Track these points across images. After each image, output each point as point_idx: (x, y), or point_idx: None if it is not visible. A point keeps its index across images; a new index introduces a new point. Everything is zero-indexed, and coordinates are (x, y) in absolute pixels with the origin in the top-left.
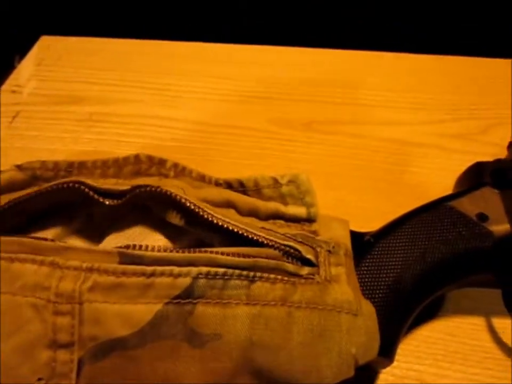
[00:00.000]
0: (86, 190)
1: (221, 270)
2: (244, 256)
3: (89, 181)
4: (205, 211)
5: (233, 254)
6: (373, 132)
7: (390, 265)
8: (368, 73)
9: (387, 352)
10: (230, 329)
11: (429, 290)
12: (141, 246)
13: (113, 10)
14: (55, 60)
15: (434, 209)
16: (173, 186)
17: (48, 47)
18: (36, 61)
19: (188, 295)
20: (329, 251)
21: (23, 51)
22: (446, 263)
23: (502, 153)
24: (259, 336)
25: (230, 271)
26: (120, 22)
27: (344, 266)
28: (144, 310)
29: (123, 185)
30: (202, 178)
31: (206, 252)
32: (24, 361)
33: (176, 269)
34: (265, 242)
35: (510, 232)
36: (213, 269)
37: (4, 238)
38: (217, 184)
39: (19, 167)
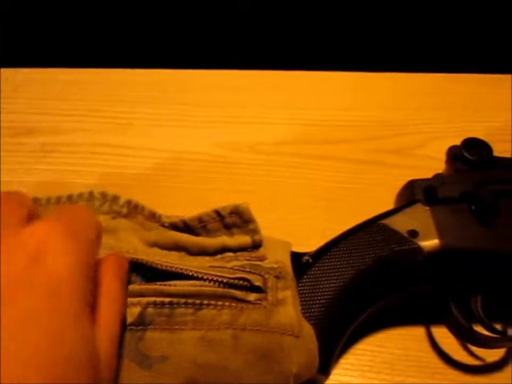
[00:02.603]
0: None
1: (167, 299)
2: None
3: None
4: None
5: (181, 285)
6: (314, 151)
7: (326, 285)
8: (307, 93)
9: (324, 368)
10: (176, 351)
11: (364, 307)
12: None
13: (67, 40)
14: (11, 91)
15: (369, 228)
16: (124, 230)
17: (6, 79)
18: None
19: (140, 322)
20: (277, 276)
21: None
22: (379, 280)
23: (440, 167)
24: (203, 357)
25: (176, 299)
26: (73, 51)
27: (291, 289)
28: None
29: None
30: (153, 216)
31: (155, 284)
32: None
33: (128, 300)
34: (215, 279)
35: (439, 247)
36: (159, 299)
37: None
38: (164, 226)
39: None
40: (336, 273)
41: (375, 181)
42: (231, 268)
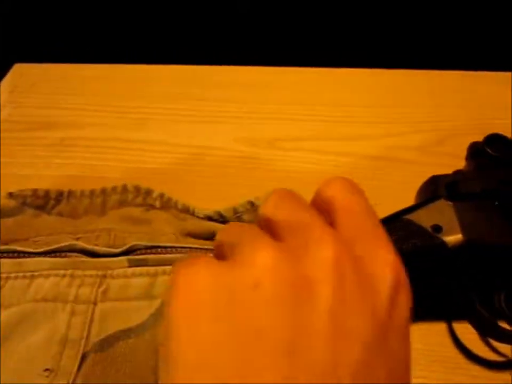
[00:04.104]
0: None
1: None
2: None
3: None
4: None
5: None
6: (334, 148)
7: None
8: (325, 90)
9: None
10: None
11: None
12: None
13: (84, 36)
14: (28, 86)
15: (391, 223)
16: (159, 220)
17: (21, 74)
18: (9, 88)
19: None
20: None
21: None
22: None
23: (458, 163)
24: None
25: None
26: (91, 47)
27: None
28: (149, 304)
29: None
30: (186, 209)
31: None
32: (38, 355)
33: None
34: None
35: (462, 242)
36: None
37: (27, 260)
38: (199, 218)
39: (11, 195)
40: None
41: (394, 177)
42: None
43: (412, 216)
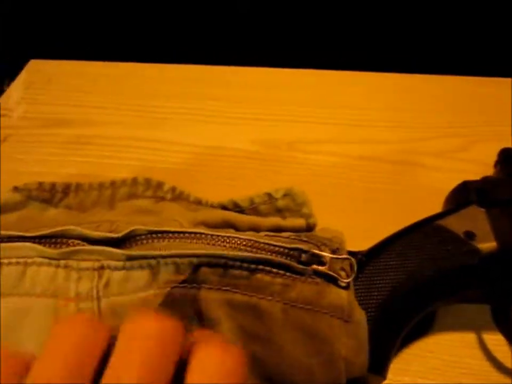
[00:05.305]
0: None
1: (222, 260)
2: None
3: (81, 229)
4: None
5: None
6: (352, 151)
7: (381, 285)
8: (345, 93)
9: (379, 368)
10: (227, 315)
11: (419, 309)
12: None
13: (100, 34)
14: (43, 83)
15: (423, 228)
16: (169, 210)
17: (37, 71)
18: (25, 84)
19: (193, 280)
20: (333, 251)
21: (12, 75)
22: (435, 281)
23: (483, 170)
24: (252, 327)
25: (231, 262)
26: (106, 45)
27: (345, 269)
28: (155, 295)
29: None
30: (199, 202)
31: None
32: None
33: (179, 260)
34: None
35: (496, 249)
36: (214, 259)
37: (17, 244)
38: (213, 207)
39: (16, 189)
40: (392, 273)
41: (414, 182)
42: (287, 237)
43: (444, 222)
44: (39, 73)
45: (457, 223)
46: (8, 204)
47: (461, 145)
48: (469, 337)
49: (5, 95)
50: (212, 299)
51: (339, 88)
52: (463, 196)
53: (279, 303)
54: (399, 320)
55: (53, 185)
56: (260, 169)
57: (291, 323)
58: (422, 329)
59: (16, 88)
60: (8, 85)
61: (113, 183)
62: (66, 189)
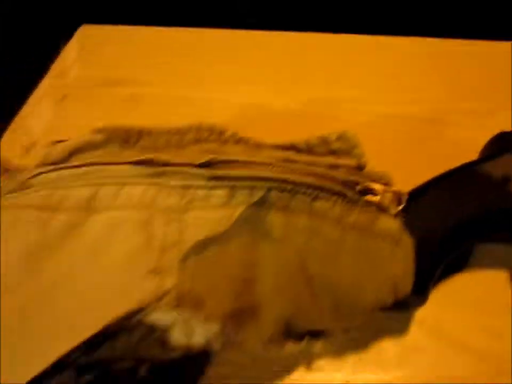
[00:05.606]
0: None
1: (289, 186)
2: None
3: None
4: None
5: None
6: (388, 110)
7: (424, 219)
8: (375, 57)
9: (422, 290)
10: (292, 235)
11: (455, 245)
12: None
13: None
14: (94, 46)
15: (462, 173)
16: (234, 151)
17: (88, 35)
18: (78, 47)
19: (263, 202)
20: (385, 184)
21: (65, 39)
22: (472, 222)
23: None
24: (314, 246)
25: (297, 187)
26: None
27: (394, 201)
28: (231, 213)
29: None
30: (259, 145)
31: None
32: (139, 260)
33: (253, 183)
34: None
35: None
36: (283, 185)
37: (115, 166)
38: (272, 147)
39: (98, 130)
40: (432, 210)
41: (446, 140)
42: (343, 172)
43: (481, 168)
44: (90, 38)
45: (494, 169)
46: (93, 142)
47: (492, 109)
48: (502, 275)
49: (60, 57)
50: (279, 220)
51: (375, 52)
52: (499, 145)
53: (337, 227)
54: (438, 253)
55: (129, 129)
56: (303, 125)
57: (348, 245)
58: (458, 266)
59: (70, 51)
60: (63, 47)
61: (179, 129)
62: (140, 133)
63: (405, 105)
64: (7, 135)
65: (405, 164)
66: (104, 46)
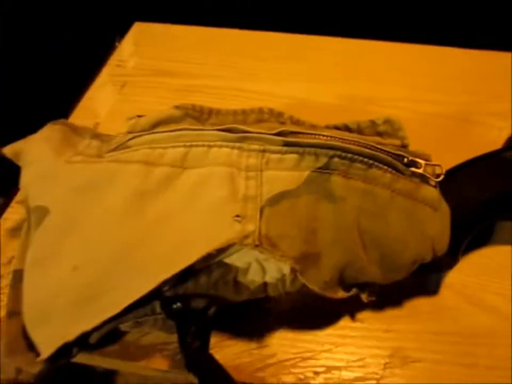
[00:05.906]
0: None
1: (349, 154)
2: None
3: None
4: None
5: (361, 145)
6: (422, 108)
7: (459, 192)
8: (404, 62)
9: (454, 252)
10: (350, 195)
11: (482, 219)
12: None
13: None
14: (148, 41)
15: (490, 158)
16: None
17: (142, 31)
18: (133, 42)
19: (326, 167)
20: (426, 159)
21: (121, 33)
22: (497, 200)
23: None
24: (367, 206)
25: (356, 156)
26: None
27: (434, 174)
28: (300, 175)
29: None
30: (314, 126)
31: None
32: (226, 206)
33: (319, 150)
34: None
35: None
36: (343, 153)
37: (204, 132)
38: (328, 128)
39: (177, 107)
40: (465, 187)
41: (475, 137)
42: (393, 145)
43: (508, 154)
44: (144, 34)
45: None
46: (173, 117)
47: None
48: None
49: (118, 49)
50: (339, 183)
51: (414, 59)
52: None
53: (387, 190)
54: (469, 222)
55: (201, 108)
56: (343, 119)
57: (396, 206)
58: (482, 240)
59: (126, 44)
60: (119, 41)
61: (244, 111)
62: (210, 112)
63: (437, 105)
64: (74, 115)
65: (436, 156)
66: (158, 42)
